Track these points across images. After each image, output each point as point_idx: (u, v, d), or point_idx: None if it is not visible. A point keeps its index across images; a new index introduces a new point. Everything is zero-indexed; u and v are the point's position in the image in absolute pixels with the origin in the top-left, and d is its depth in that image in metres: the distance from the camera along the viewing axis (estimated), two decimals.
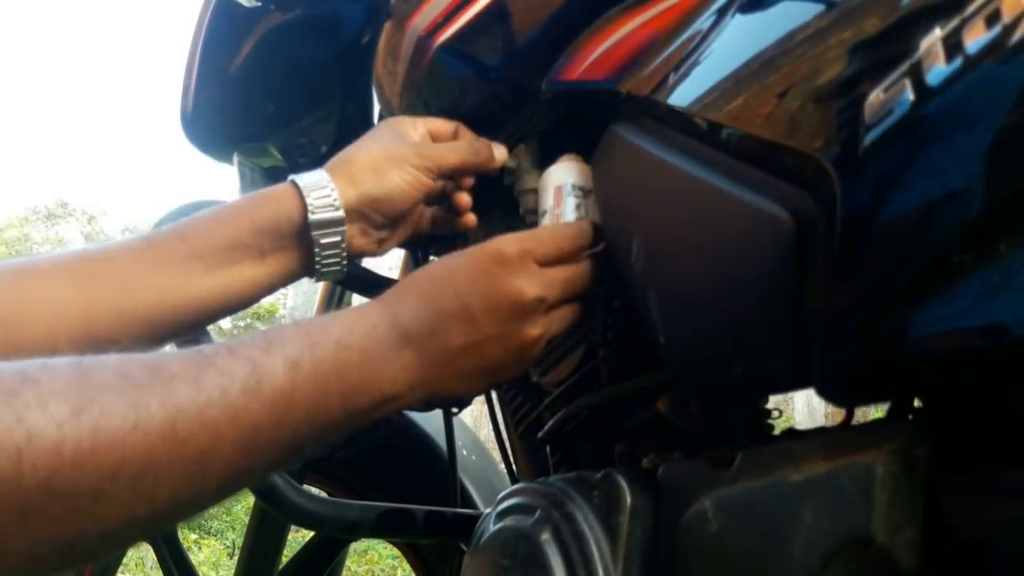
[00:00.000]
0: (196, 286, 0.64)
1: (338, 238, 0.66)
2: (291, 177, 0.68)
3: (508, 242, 0.59)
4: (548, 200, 0.67)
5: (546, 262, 0.60)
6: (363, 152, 0.69)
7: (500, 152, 0.72)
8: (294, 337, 0.52)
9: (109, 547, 0.45)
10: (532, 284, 0.58)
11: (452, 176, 0.72)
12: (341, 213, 0.66)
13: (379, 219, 0.69)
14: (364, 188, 0.67)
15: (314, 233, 0.66)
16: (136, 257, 0.63)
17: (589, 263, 0.62)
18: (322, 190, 0.66)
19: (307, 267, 0.68)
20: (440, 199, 0.76)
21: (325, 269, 0.68)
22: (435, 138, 0.72)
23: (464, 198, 0.75)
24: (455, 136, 0.73)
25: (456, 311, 0.56)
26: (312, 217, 0.65)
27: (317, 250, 0.67)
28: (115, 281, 0.61)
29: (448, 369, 0.57)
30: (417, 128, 0.71)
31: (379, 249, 0.72)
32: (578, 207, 0.66)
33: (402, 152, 0.69)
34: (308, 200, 0.66)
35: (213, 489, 0.48)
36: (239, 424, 0.47)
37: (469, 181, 0.75)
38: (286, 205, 0.66)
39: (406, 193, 0.68)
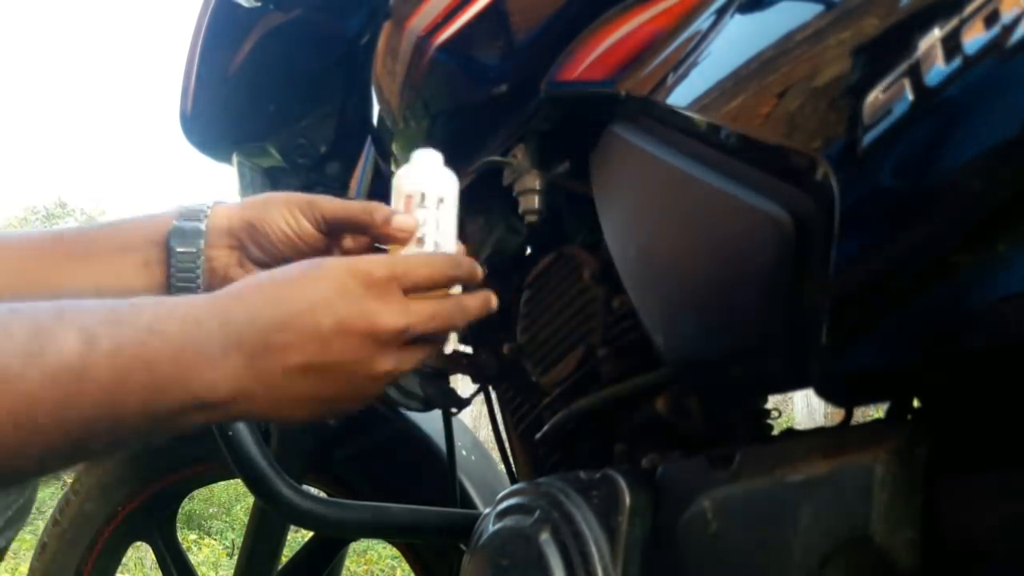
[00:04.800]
0: (74, 281, 0.63)
1: (192, 249, 0.65)
2: None
3: (377, 264, 0.54)
4: (403, 197, 0.62)
5: (413, 291, 0.55)
6: (263, 196, 0.69)
7: (403, 220, 0.61)
8: (95, 310, 0.47)
9: None
10: (394, 313, 0.53)
11: (340, 232, 0.66)
12: (201, 226, 0.65)
13: (257, 254, 0.66)
14: (245, 214, 0.66)
15: (171, 242, 0.65)
16: (39, 249, 0.64)
17: (455, 302, 0.57)
18: (198, 205, 0.66)
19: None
20: None
21: (178, 281, 0.65)
22: None
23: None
24: None
25: (303, 325, 0.51)
26: (172, 224, 0.65)
27: (173, 260, 0.64)
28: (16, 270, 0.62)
29: (278, 388, 0.51)
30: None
31: None
32: (426, 220, 0.61)
33: (291, 195, 0.67)
34: (180, 210, 0.66)
35: None
36: (13, 393, 0.43)
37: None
38: (168, 218, 0.66)
39: (283, 231, 0.65)
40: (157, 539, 1.20)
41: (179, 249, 0.64)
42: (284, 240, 0.65)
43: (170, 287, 0.65)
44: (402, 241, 0.61)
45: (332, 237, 0.66)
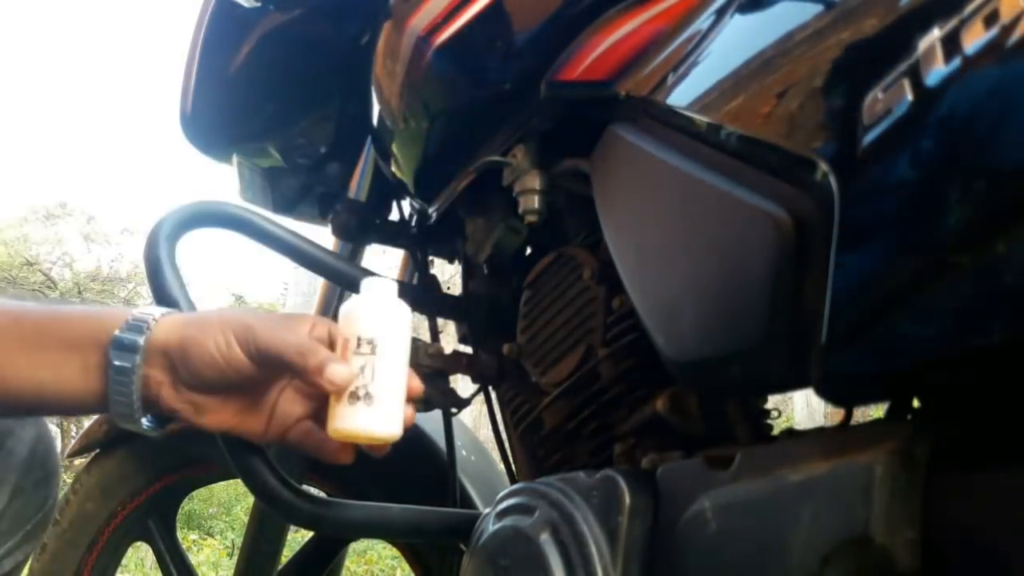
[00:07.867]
0: (18, 372, 0.62)
1: (128, 364, 0.61)
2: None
3: None
4: (341, 339, 0.62)
5: None
6: (216, 310, 0.65)
7: (336, 372, 0.60)
8: None
9: None
10: None
11: (273, 367, 0.62)
12: (140, 340, 0.61)
13: (188, 378, 0.62)
14: (183, 331, 0.62)
15: (110, 352, 0.61)
16: None
17: None
18: (145, 316, 0.62)
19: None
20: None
21: (114, 399, 0.62)
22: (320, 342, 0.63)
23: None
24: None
25: None
26: (115, 333, 0.61)
27: (110, 372, 0.61)
28: None
29: None
30: (303, 324, 0.64)
31: (196, 417, 0.64)
32: (363, 369, 0.60)
33: (236, 317, 0.63)
34: (128, 318, 0.62)
35: None
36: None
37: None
38: (118, 320, 0.63)
39: (211, 356, 0.61)
40: (157, 539, 1.20)
41: (116, 362, 0.61)
42: (211, 365, 0.61)
43: (108, 400, 0.62)
44: (335, 394, 0.60)
45: (265, 369, 0.62)
